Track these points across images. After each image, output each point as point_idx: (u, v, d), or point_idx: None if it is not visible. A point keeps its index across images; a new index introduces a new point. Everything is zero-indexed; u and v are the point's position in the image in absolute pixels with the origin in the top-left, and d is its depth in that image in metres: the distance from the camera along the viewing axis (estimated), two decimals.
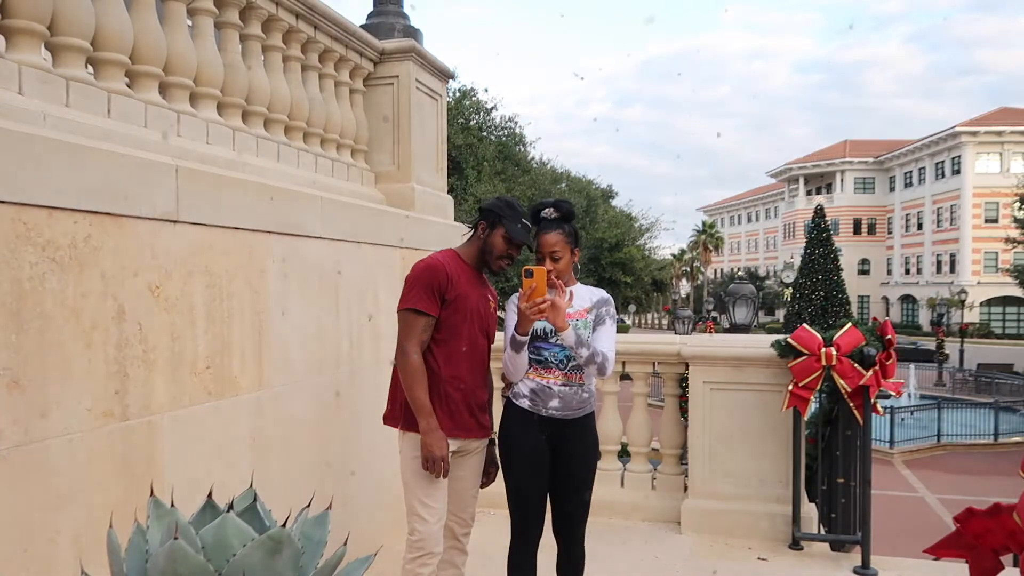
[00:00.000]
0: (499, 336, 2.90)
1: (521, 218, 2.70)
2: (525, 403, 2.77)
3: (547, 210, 2.81)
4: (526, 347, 2.71)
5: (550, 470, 2.80)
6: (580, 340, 2.67)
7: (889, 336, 3.87)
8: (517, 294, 2.75)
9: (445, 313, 2.63)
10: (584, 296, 2.83)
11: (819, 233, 29.38)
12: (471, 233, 2.79)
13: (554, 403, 2.74)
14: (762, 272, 60.97)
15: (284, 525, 0.85)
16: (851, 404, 3.82)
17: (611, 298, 2.91)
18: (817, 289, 28.21)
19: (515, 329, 2.67)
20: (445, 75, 4.88)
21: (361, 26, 4.36)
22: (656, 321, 55.85)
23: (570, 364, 2.73)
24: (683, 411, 4.59)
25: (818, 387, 3.87)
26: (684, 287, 65.29)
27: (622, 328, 35.41)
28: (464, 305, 2.66)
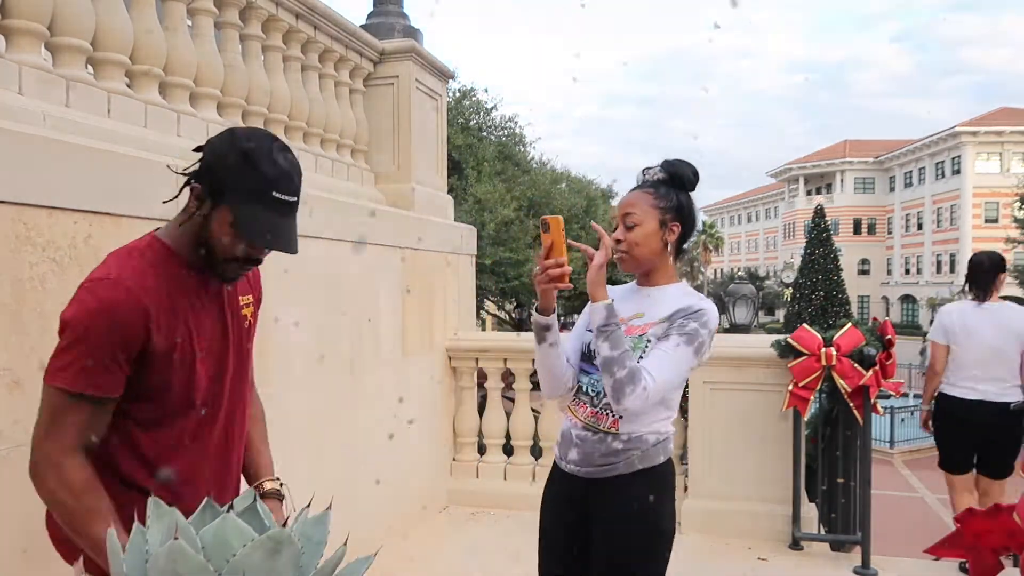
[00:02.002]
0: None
1: (272, 189, 1.35)
2: (556, 450, 2.07)
3: (651, 169, 1.99)
4: (554, 341, 1.92)
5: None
6: (610, 320, 1.79)
7: (889, 336, 3.87)
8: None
9: (151, 374, 1.40)
10: (665, 302, 1.92)
11: (819, 233, 29.41)
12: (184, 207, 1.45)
13: (572, 454, 1.96)
14: (762, 272, 60.93)
15: (284, 525, 0.85)
16: (851, 404, 3.82)
17: (711, 313, 1.89)
18: (817, 289, 28.22)
19: (535, 307, 1.90)
20: (445, 75, 4.88)
21: (361, 26, 4.36)
22: None
23: (606, 399, 1.87)
24: (683, 411, 4.59)
25: (818, 387, 3.87)
26: None
27: None
28: (187, 352, 1.43)
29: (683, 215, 1.96)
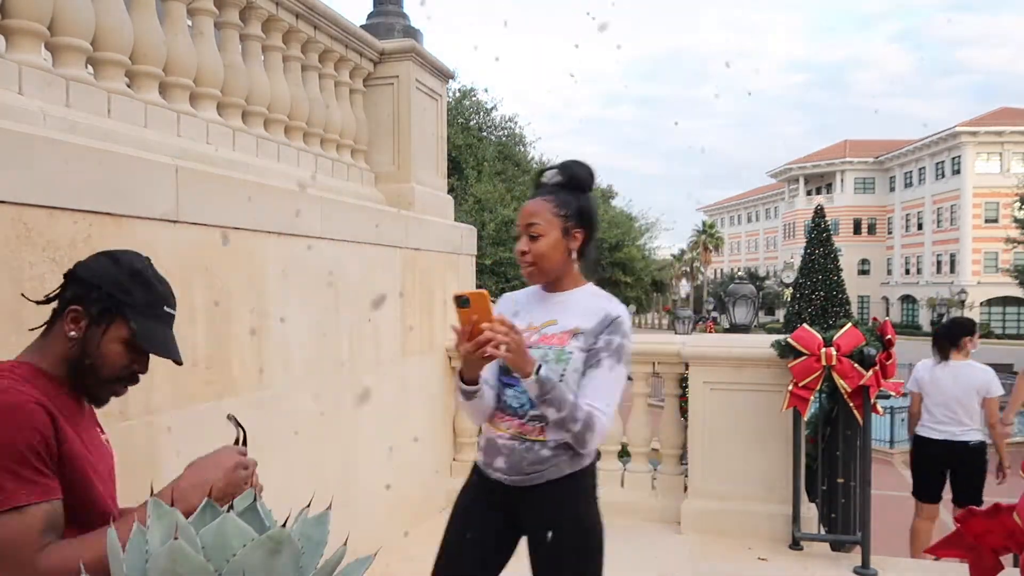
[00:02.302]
0: None
1: (163, 303, 1.44)
2: (480, 457, 2.03)
3: (550, 172, 1.96)
4: (482, 394, 1.91)
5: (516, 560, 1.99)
6: (546, 391, 1.77)
7: (889, 336, 3.87)
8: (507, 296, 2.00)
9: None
10: (581, 308, 1.91)
11: (819, 233, 29.37)
12: (46, 327, 1.42)
13: (499, 462, 1.93)
14: (762, 272, 60.93)
15: (284, 525, 0.85)
16: (851, 404, 3.82)
17: (625, 317, 1.91)
18: (817, 289, 28.17)
19: (459, 375, 1.88)
20: (445, 75, 4.88)
21: (361, 26, 4.36)
22: (656, 321, 55.88)
23: (532, 412, 1.89)
24: (683, 411, 4.59)
25: (818, 387, 3.87)
26: (684, 287, 65.28)
27: None
28: (83, 464, 1.32)
29: (584, 220, 1.93)
